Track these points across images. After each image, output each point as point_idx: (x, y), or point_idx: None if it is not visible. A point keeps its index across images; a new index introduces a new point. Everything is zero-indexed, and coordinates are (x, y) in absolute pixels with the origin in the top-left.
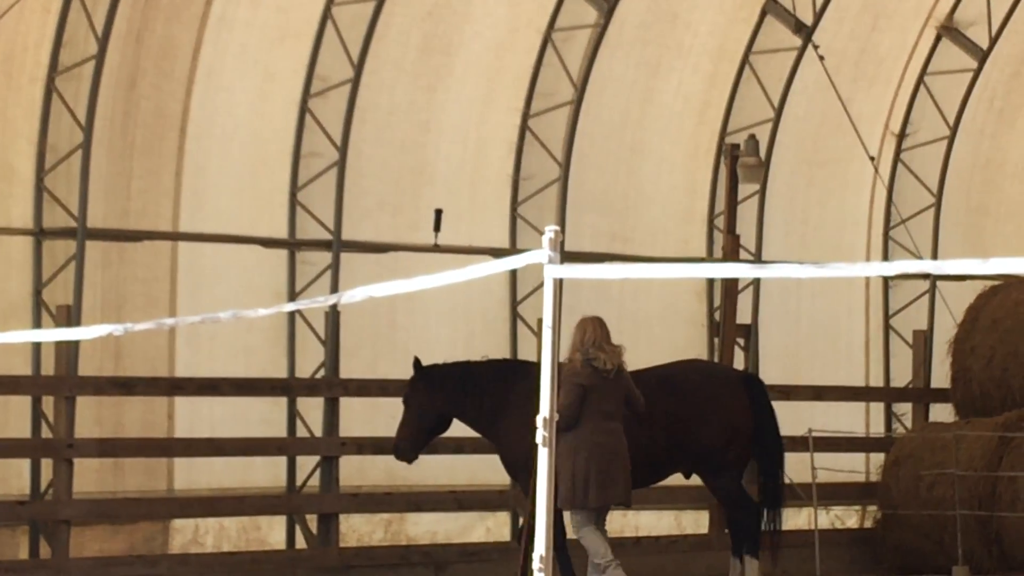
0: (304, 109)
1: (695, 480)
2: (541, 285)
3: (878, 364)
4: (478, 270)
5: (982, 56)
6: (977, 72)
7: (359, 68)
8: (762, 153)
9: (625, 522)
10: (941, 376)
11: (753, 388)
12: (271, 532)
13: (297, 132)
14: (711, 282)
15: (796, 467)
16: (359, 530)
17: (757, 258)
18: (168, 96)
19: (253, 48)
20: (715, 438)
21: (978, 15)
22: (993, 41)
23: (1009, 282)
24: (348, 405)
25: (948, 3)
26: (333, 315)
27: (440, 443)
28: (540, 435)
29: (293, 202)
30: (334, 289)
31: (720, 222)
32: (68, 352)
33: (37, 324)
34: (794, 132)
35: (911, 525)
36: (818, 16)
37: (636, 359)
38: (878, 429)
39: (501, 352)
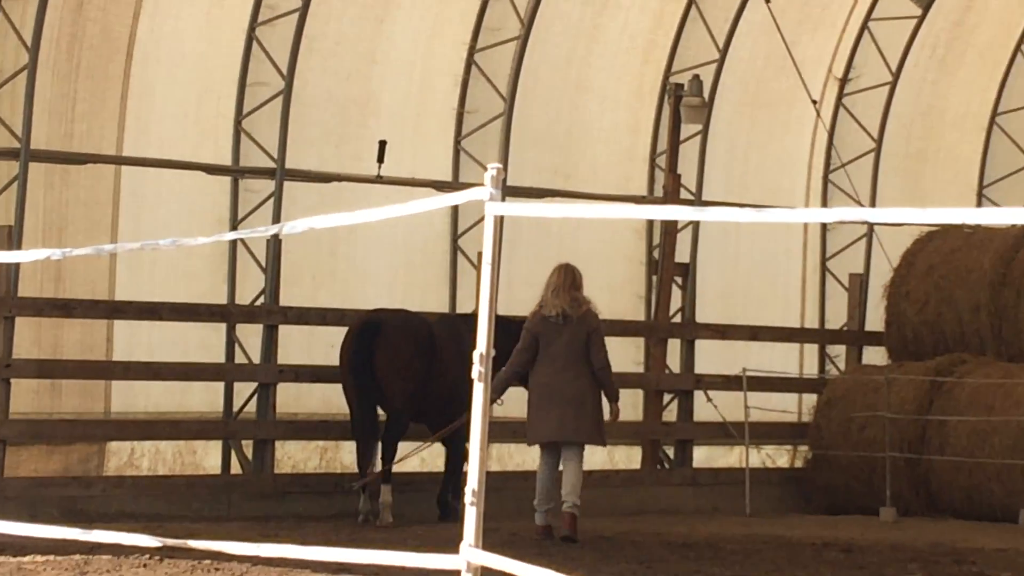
0: (251, 37)
1: (627, 416)
2: (482, 219)
3: (814, 306)
4: (419, 205)
5: (927, 4)
6: (921, 19)
7: None
8: (706, 94)
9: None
10: (875, 319)
11: (364, 333)
12: (206, 457)
13: (244, 60)
14: (651, 221)
15: (730, 406)
16: (294, 457)
17: (698, 198)
18: (115, 19)
19: None
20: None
21: None
22: None
23: (945, 229)
24: (287, 333)
25: None
26: (274, 243)
27: None
28: (476, 370)
29: (238, 130)
30: (276, 217)
31: (662, 161)
32: (8, 273)
33: None
34: (738, 74)
35: (841, 466)
36: None
37: None
38: (812, 370)
39: (439, 284)
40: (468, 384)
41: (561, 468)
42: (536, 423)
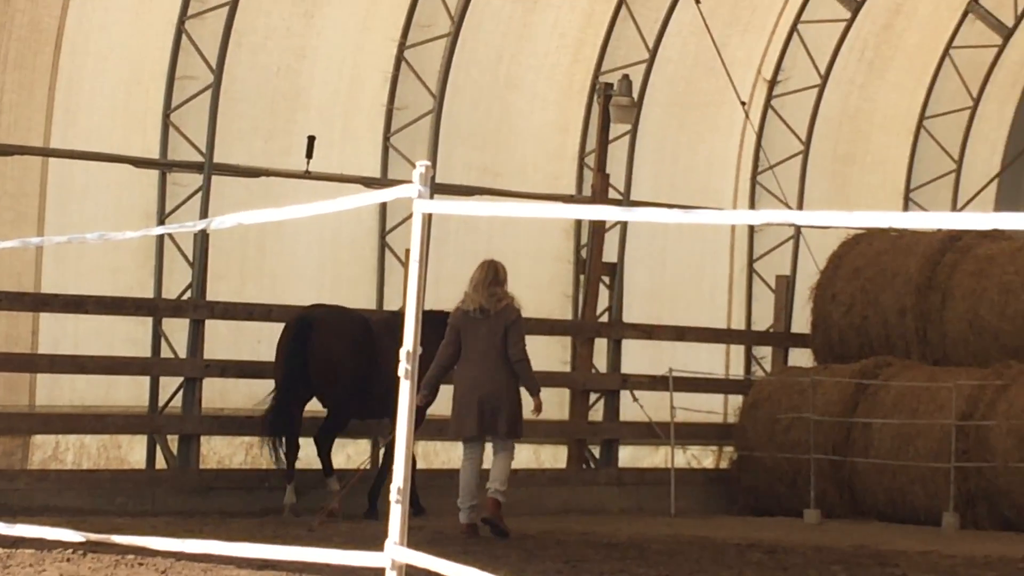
0: (180, 30)
1: (553, 415)
2: (410, 216)
3: (740, 307)
4: (347, 202)
5: (855, 7)
6: (850, 22)
7: None
8: (635, 94)
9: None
10: (802, 321)
11: (299, 330)
12: (131, 451)
13: (173, 53)
14: (579, 220)
15: (656, 406)
16: (220, 452)
17: (626, 198)
18: (44, 11)
19: None
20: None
21: None
22: None
23: (872, 232)
24: (213, 328)
25: None
26: (202, 238)
27: None
28: (402, 368)
29: (166, 123)
30: (204, 212)
31: (591, 160)
32: None
33: None
34: (667, 74)
35: (766, 467)
36: None
37: None
38: (738, 371)
39: (367, 281)
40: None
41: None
42: (457, 418)
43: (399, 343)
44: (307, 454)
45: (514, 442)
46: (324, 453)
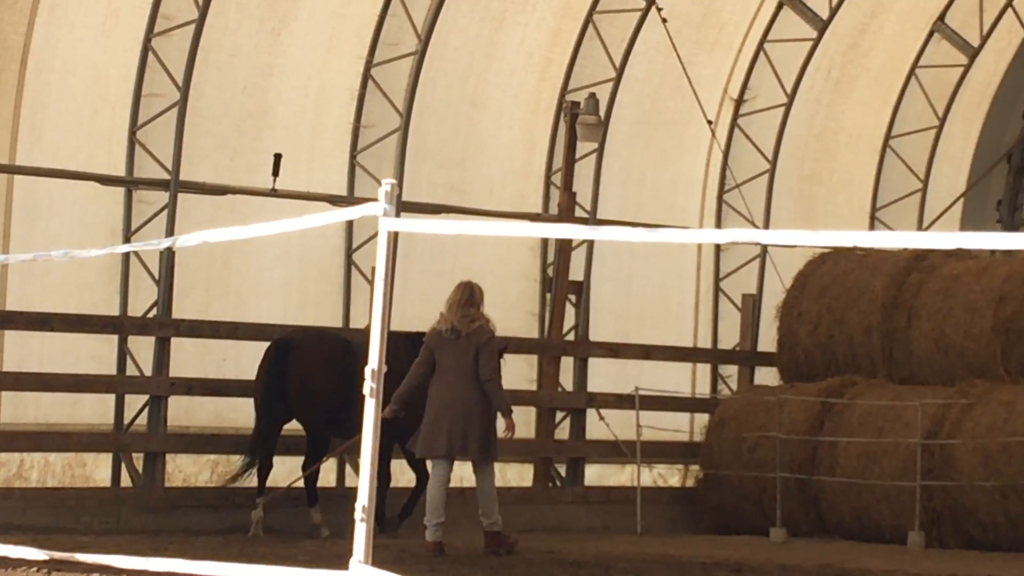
0: (147, 48)
1: (519, 433)
2: (376, 234)
3: (707, 326)
4: (313, 219)
5: (822, 26)
6: (816, 42)
7: (204, 9)
8: (602, 112)
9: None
10: (768, 340)
11: (277, 353)
12: (97, 469)
13: (139, 70)
14: (545, 239)
15: (622, 424)
16: (185, 471)
17: (592, 216)
18: (9, 28)
19: None
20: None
21: None
22: (833, 12)
23: (838, 250)
24: (179, 345)
25: None
26: (168, 255)
27: None
28: (367, 387)
29: (132, 140)
30: (170, 229)
31: (557, 179)
32: None
33: None
34: (634, 93)
35: (732, 486)
36: None
37: None
38: (704, 390)
39: (333, 299)
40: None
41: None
42: (426, 437)
43: (390, 363)
44: (275, 472)
45: (492, 464)
46: (310, 481)
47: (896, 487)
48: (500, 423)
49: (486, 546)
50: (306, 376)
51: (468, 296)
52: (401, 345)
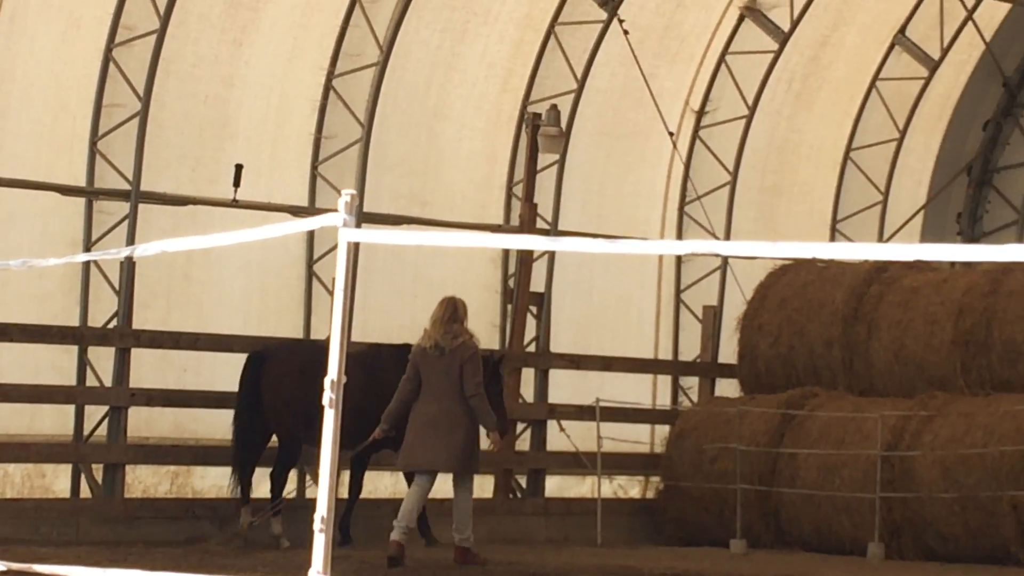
0: (108, 58)
1: (481, 444)
2: (337, 246)
3: (667, 337)
4: (274, 230)
5: (783, 38)
6: (778, 54)
7: (165, 19)
8: (563, 124)
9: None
10: (728, 352)
11: (251, 364)
12: (56, 480)
13: (100, 80)
14: (506, 250)
15: (583, 436)
16: (145, 482)
17: (554, 227)
18: None
19: None
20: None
21: None
22: (795, 24)
23: (798, 262)
24: (139, 356)
25: None
26: (128, 266)
27: (230, 397)
28: (327, 397)
29: (93, 151)
30: (131, 240)
31: (519, 190)
32: None
33: None
34: (596, 104)
35: (692, 497)
36: None
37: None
38: (665, 401)
39: (294, 309)
40: (376, 414)
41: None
42: (408, 450)
43: (371, 375)
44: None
45: (471, 479)
46: (276, 490)
47: (856, 499)
48: (495, 436)
49: (455, 558)
50: (279, 386)
51: (452, 312)
52: (387, 357)
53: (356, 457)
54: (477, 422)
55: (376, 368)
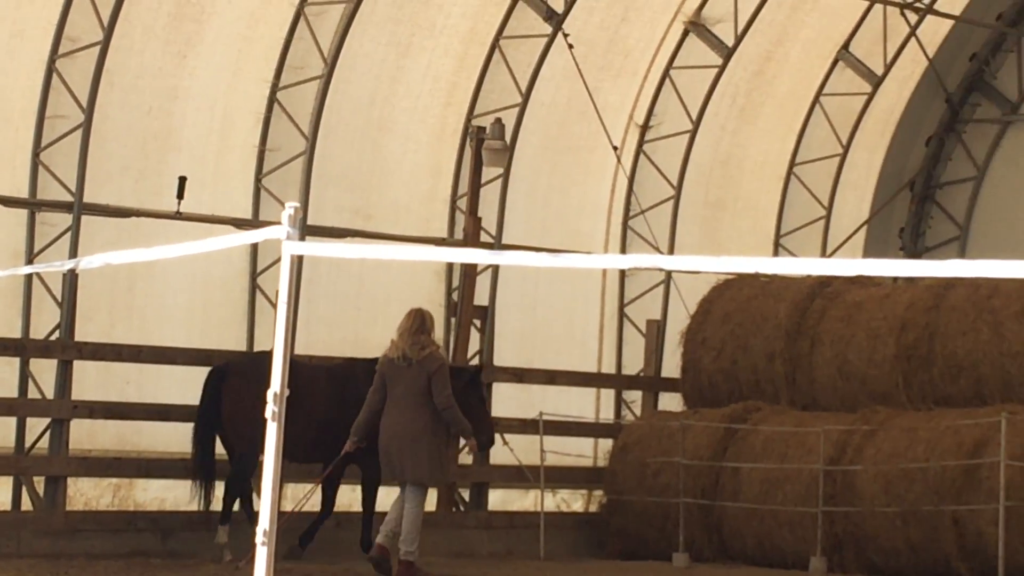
0: (51, 69)
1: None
2: (281, 258)
3: (611, 351)
4: (217, 243)
5: (727, 53)
6: (722, 69)
7: (109, 30)
8: (507, 137)
9: (354, 497)
10: (672, 366)
11: (212, 379)
12: None
13: (43, 92)
14: (450, 263)
15: (526, 449)
16: (87, 494)
17: (498, 241)
18: None
19: (0, 4)
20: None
21: (725, 13)
22: (739, 39)
23: (742, 277)
24: (82, 368)
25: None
26: (71, 278)
27: (172, 410)
28: (269, 410)
29: (36, 162)
30: (74, 252)
31: (463, 203)
32: None
33: None
34: (540, 118)
35: (635, 511)
36: (569, 5)
37: (373, 337)
38: (608, 415)
39: (238, 322)
40: (343, 428)
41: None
42: (382, 461)
43: (342, 389)
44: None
45: (425, 490)
46: (228, 500)
47: (798, 512)
48: (472, 443)
49: (397, 574)
50: (240, 400)
51: (419, 324)
52: (361, 371)
53: (330, 473)
54: (443, 433)
55: (352, 382)
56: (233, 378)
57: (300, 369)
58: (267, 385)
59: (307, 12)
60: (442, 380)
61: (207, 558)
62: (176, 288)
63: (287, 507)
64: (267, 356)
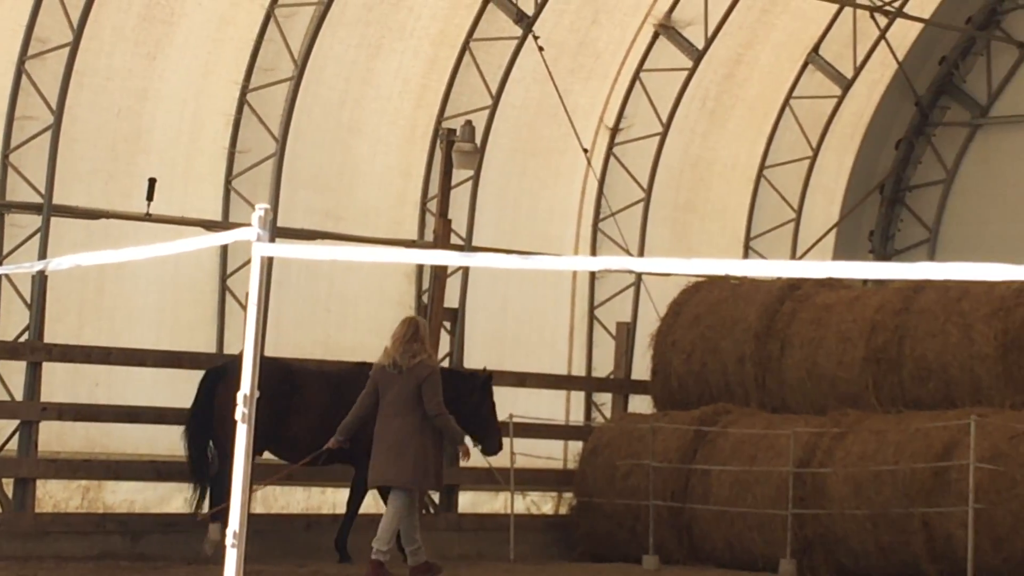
0: (20, 70)
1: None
2: (251, 260)
3: (581, 353)
4: (187, 244)
5: (697, 56)
6: (692, 71)
7: (79, 32)
8: (478, 140)
9: (323, 499)
10: (642, 368)
11: (207, 379)
12: None
13: (12, 93)
14: (420, 265)
15: None
16: (56, 496)
17: (468, 243)
18: None
19: None
20: None
21: (696, 15)
22: (709, 42)
23: (712, 279)
24: (51, 370)
25: (667, 2)
26: (40, 279)
27: (142, 412)
28: (239, 412)
29: (4, 164)
30: (43, 253)
31: (433, 205)
32: None
33: None
34: (510, 120)
35: (605, 513)
36: (539, 7)
37: (343, 339)
38: (578, 417)
39: (208, 324)
40: (330, 430)
41: None
42: (375, 468)
43: (337, 393)
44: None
45: (411, 496)
46: (215, 499)
47: (768, 515)
48: (464, 449)
49: (366, 573)
50: (229, 400)
51: (412, 332)
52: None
53: (306, 464)
54: (431, 440)
55: (357, 387)
56: (229, 381)
57: (308, 374)
58: (265, 388)
59: (277, 14)
60: (432, 387)
61: (176, 560)
62: (145, 290)
63: (257, 509)
64: (267, 359)
